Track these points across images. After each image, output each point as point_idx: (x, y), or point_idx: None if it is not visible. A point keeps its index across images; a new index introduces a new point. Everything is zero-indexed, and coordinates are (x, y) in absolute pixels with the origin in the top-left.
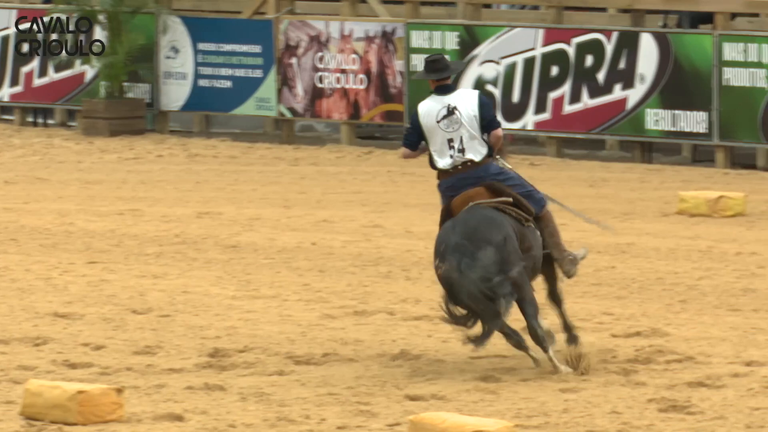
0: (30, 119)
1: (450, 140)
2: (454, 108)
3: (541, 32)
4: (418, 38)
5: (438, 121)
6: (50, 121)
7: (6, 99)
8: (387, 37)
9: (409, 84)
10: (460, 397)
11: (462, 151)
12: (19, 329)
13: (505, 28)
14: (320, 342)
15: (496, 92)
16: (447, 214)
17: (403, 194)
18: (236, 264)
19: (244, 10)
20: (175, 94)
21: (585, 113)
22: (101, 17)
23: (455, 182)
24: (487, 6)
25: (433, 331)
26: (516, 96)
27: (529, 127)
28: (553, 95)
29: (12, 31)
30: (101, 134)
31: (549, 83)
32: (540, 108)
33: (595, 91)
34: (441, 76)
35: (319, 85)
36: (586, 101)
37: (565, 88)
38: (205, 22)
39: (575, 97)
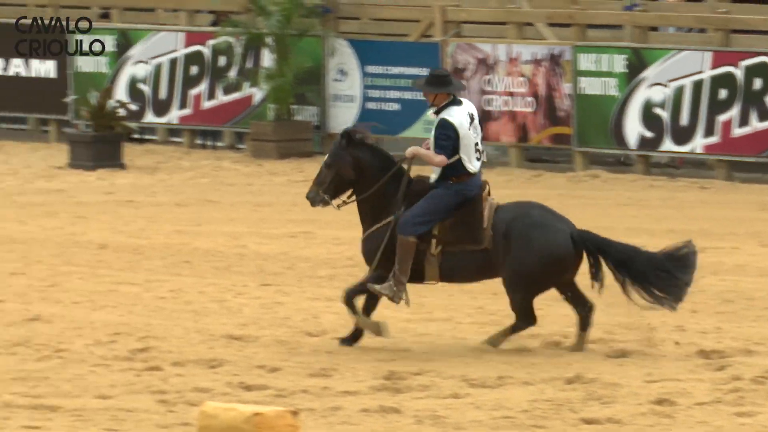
0: (199, 141)
1: (476, 144)
2: (473, 115)
3: (709, 55)
4: (586, 61)
5: (468, 129)
6: (219, 144)
7: (175, 121)
8: (554, 59)
9: (577, 107)
10: (636, 421)
11: (481, 153)
12: (194, 351)
13: (673, 51)
14: (494, 365)
15: (665, 115)
16: (479, 204)
17: (577, 218)
18: (409, 287)
19: (411, 32)
20: (343, 117)
21: (754, 136)
22: (268, 40)
23: (477, 181)
24: (654, 29)
25: (608, 354)
26: (684, 119)
27: (698, 150)
28: (721, 118)
29: (180, 53)
30: (270, 156)
31: (717, 106)
32: (709, 131)
33: (764, 114)
34: (462, 89)
35: (487, 108)
36: (755, 124)
37: (734, 112)
38: (373, 44)
39: (744, 120)
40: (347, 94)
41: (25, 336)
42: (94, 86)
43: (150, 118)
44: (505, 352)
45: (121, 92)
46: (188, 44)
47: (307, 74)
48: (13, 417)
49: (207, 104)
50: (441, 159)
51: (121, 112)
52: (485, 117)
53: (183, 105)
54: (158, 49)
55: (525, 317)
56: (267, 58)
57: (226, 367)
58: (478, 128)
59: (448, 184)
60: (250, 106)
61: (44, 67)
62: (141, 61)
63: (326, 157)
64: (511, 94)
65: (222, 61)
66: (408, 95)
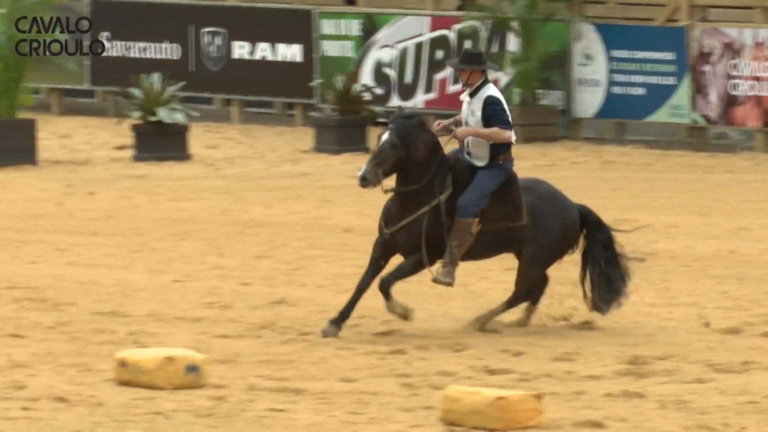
0: None
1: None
2: None
3: None
4: None
5: None
6: None
7: (420, 105)
8: None
9: None
10: None
11: None
12: (439, 335)
13: None
14: (739, 350)
15: None
16: (516, 180)
17: None
18: (654, 271)
19: (657, 17)
20: (589, 102)
21: None
22: (514, 24)
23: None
24: None
25: None
26: None
27: None
28: None
29: (426, 38)
30: (517, 141)
31: None
32: None
33: None
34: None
35: (733, 93)
36: None
37: None
38: (618, 29)
39: None
40: (592, 79)
41: (270, 319)
42: (340, 70)
43: (395, 102)
44: (749, 337)
45: (366, 76)
46: (434, 28)
47: (552, 59)
48: (258, 399)
49: (452, 88)
50: (510, 134)
51: (367, 96)
52: (731, 102)
53: (428, 89)
54: (404, 34)
55: (527, 291)
56: (512, 43)
57: (470, 351)
58: None
59: (498, 163)
60: None
61: (290, 51)
62: (386, 46)
63: (386, 135)
64: (757, 78)
65: (467, 45)
66: (653, 79)
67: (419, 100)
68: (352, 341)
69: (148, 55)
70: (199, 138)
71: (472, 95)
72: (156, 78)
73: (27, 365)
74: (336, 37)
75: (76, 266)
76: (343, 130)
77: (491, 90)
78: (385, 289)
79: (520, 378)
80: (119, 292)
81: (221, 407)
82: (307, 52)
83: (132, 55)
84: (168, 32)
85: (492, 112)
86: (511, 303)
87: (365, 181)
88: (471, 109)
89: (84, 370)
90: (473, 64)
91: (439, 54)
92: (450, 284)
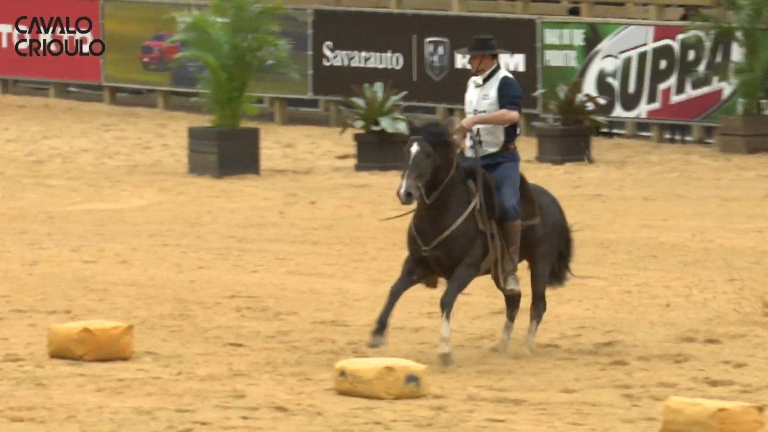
0: (667, 136)
1: None
2: None
3: None
4: None
5: None
6: (687, 138)
7: (643, 115)
8: None
9: None
10: None
11: None
12: (660, 346)
13: None
14: None
15: None
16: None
17: None
18: None
19: None
20: None
21: None
22: (738, 34)
23: None
24: None
25: None
26: None
27: None
28: None
29: (649, 48)
30: (739, 151)
31: None
32: None
33: None
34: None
35: None
36: None
37: None
38: None
39: None
40: None
41: (489, 329)
42: (563, 80)
43: (618, 112)
44: None
45: (589, 86)
46: (657, 38)
47: None
48: (477, 410)
49: (675, 98)
50: (514, 115)
51: (590, 106)
52: None
53: (651, 99)
54: (627, 43)
55: (544, 293)
56: (736, 53)
57: (691, 362)
58: None
59: (513, 153)
60: (719, 101)
61: (513, 61)
62: (610, 55)
63: (416, 146)
64: None
65: (691, 55)
66: None
67: (642, 110)
68: (573, 351)
69: (371, 65)
70: None
71: (485, 80)
72: (378, 87)
73: (247, 374)
74: (559, 46)
75: (296, 275)
76: (566, 140)
77: (506, 73)
78: (447, 307)
79: (742, 390)
80: (339, 301)
81: (441, 417)
82: (530, 62)
83: (354, 64)
84: (391, 42)
85: (505, 92)
86: (540, 314)
87: (410, 197)
88: (483, 94)
89: (303, 380)
90: (484, 50)
91: (663, 64)
92: (520, 292)
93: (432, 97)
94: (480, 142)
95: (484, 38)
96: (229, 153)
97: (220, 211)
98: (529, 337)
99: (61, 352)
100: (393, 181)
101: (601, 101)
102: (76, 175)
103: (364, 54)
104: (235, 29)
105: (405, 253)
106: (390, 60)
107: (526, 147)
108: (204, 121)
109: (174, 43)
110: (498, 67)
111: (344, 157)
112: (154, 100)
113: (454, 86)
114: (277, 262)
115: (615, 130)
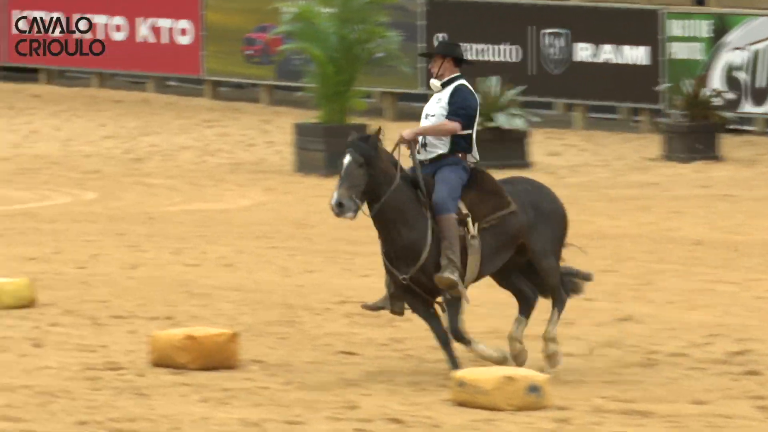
0: None
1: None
2: None
3: None
4: None
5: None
6: None
7: None
8: None
9: None
10: None
11: None
12: None
13: None
14: None
15: None
16: (482, 172)
17: None
18: None
19: None
20: None
21: None
22: None
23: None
24: None
25: None
26: None
27: None
28: None
29: None
30: None
31: None
32: None
33: None
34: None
35: None
36: None
37: None
38: None
39: None
40: None
41: (616, 337)
42: (688, 74)
43: (747, 107)
44: None
45: (716, 80)
46: None
47: None
48: (604, 422)
49: None
50: (454, 126)
51: (717, 101)
52: None
53: None
54: (757, 35)
55: (561, 286)
56: None
57: None
58: None
59: (457, 159)
60: None
61: (636, 54)
62: (738, 48)
63: (348, 157)
64: None
65: None
66: None
67: None
68: (703, 361)
69: (486, 57)
70: (540, 145)
71: (444, 85)
72: (494, 81)
73: (359, 384)
74: (684, 38)
75: None
76: (693, 136)
77: (464, 82)
78: (460, 337)
79: None
80: None
81: (565, 430)
82: (654, 55)
83: (469, 57)
84: (507, 33)
85: (453, 101)
86: (560, 307)
87: (342, 207)
88: (438, 98)
89: (419, 390)
90: (446, 53)
91: None
92: (456, 288)
93: (551, 91)
94: (425, 145)
95: (450, 43)
96: (337, 150)
97: (329, 212)
98: (549, 327)
99: (163, 360)
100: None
101: (729, 96)
102: (176, 174)
103: (479, 46)
104: (342, 20)
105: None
106: (506, 52)
107: (650, 144)
108: (310, 116)
109: (278, 35)
110: (461, 76)
111: None
112: (257, 94)
113: (573, 80)
114: None
115: (745, 127)
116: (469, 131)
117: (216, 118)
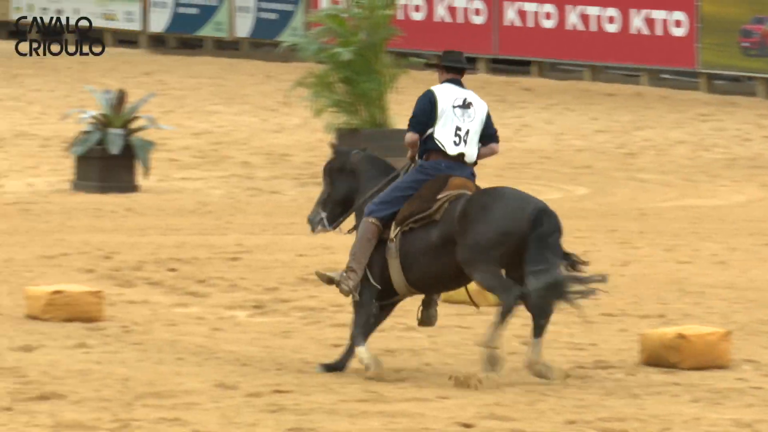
0: None
1: (458, 128)
2: (470, 103)
3: None
4: None
5: (453, 107)
6: None
7: None
8: None
9: None
10: None
11: (465, 143)
12: None
13: None
14: None
15: None
16: (442, 184)
17: None
18: None
19: None
20: None
21: None
22: None
23: (454, 166)
24: None
25: None
26: None
27: None
28: None
29: None
30: None
31: None
32: None
33: None
34: (467, 68)
35: None
36: None
37: None
38: None
39: None
40: None
41: None
42: None
43: None
44: None
45: None
46: None
47: None
48: None
49: None
50: (408, 136)
51: None
52: None
53: None
54: None
55: (503, 290)
56: None
57: None
58: (476, 119)
59: (421, 163)
60: None
61: None
62: None
63: (324, 171)
64: None
65: None
66: None
67: None
68: None
69: None
70: None
71: None
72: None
73: None
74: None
75: None
76: None
77: (437, 86)
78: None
79: None
80: None
81: None
82: None
83: None
84: None
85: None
86: (503, 314)
87: (311, 224)
88: None
89: None
90: (463, 64)
91: None
92: (347, 291)
93: None
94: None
95: (450, 52)
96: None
97: None
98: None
99: (654, 360)
100: None
101: None
102: (670, 169)
103: None
104: None
105: None
106: None
107: None
108: None
109: None
110: (448, 81)
111: None
112: (753, 88)
113: None
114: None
115: None
116: (430, 131)
117: (711, 112)
